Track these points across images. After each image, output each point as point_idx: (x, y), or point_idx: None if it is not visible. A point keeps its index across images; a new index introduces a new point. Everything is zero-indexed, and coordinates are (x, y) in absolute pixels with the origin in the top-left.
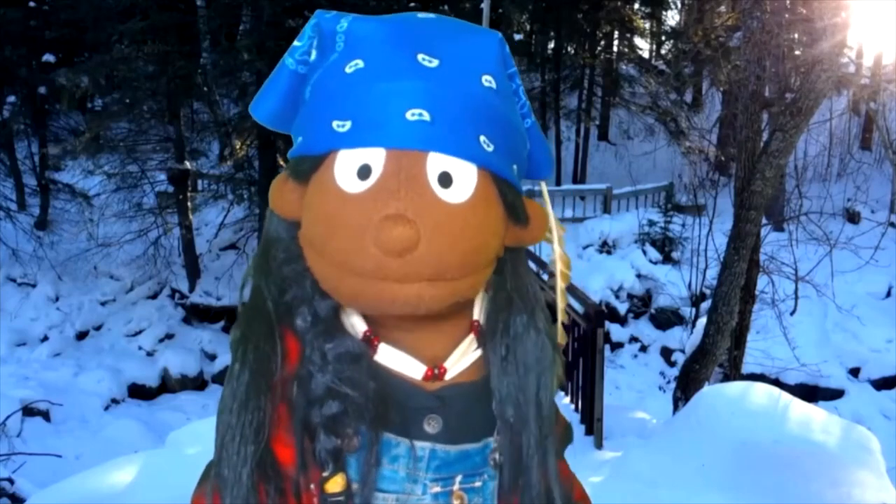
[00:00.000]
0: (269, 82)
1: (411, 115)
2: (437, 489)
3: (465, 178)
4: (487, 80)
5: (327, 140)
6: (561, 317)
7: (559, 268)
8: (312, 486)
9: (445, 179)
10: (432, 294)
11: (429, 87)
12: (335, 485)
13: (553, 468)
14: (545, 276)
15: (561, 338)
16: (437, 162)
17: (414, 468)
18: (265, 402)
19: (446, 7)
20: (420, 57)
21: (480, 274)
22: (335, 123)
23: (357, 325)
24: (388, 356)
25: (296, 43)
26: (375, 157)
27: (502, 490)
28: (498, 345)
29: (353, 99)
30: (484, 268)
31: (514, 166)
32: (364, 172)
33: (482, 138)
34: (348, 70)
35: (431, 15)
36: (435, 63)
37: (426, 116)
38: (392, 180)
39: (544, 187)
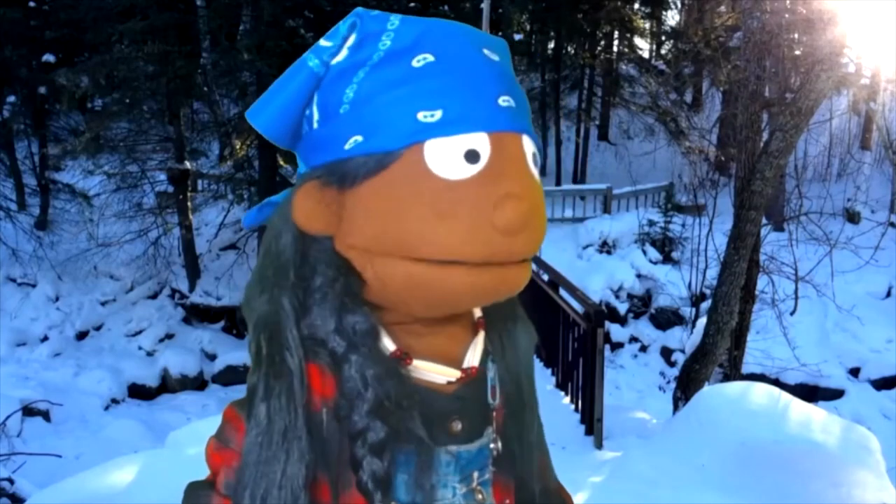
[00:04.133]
0: (283, 85)
1: (502, 101)
2: (464, 489)
3: (537, 161)
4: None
5: (412, 132)
6: None
7: None
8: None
9: (534, 160)
10: (525, 275)
11: (504, 76)
12: None
13: (546, 453)
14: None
15: None
16: (528, 143)
17: (443, 473)
18: (308, 449)
19: (446, 7)
20: (485, 52)
21: None
22: (421, 115)
23: (386, 344)
24: (420, 370)
25: (324, 43)
26: (480, 141)
27: (501, 473)
28: (496, 335)
29: (439, 89)
30: None
31: None
32: (472, 157)
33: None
34: (416, 64)
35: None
36: (497, 58)
37: (512, 103)
38: (500, 161)
39: None
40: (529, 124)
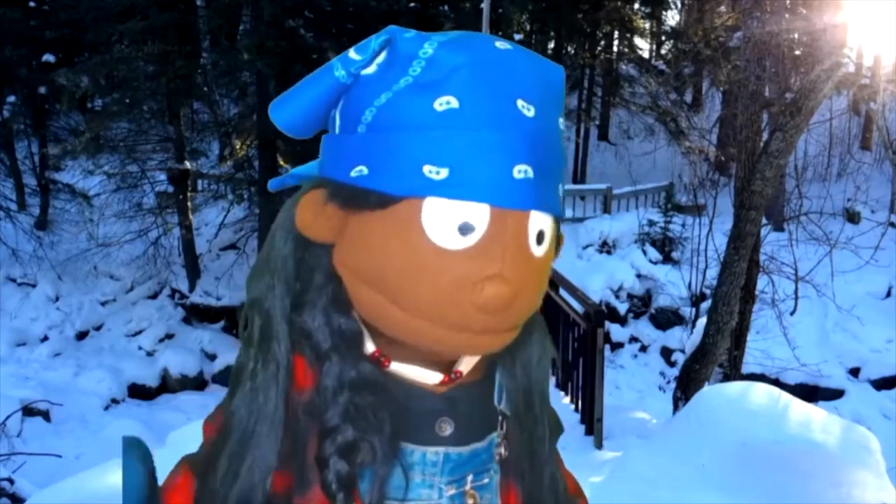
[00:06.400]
0: (306, 87)
1: (517, 172)
2: (452, 491)
3: (550, 233)
4: (560, 122)
5: (416, 185)
6: None
7: None
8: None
9: (541, 238)
10: (504, 340)
11: (532, 141)
12: None
13: (556, 454)
14: None
15: None
16: (536, 221)
17: (429, 473)
18: (282, 437)
19: (446, 7)
20: (520, 104)
21: None
22: (427, 168)
23: (367, 345)
24: (401, 371)
25: (353, 56)
26: (479, 214)
27: (505, 481)
28: (505, 349)
29: (452, 145)
30: None
31: None
32: (466, 230)
33: (559, 187)
34: (438, 108)
35: (509, 44)
36: (532, 112)
37: (530, 174)
38: (496, 241)
39: None
40: (549, 193)
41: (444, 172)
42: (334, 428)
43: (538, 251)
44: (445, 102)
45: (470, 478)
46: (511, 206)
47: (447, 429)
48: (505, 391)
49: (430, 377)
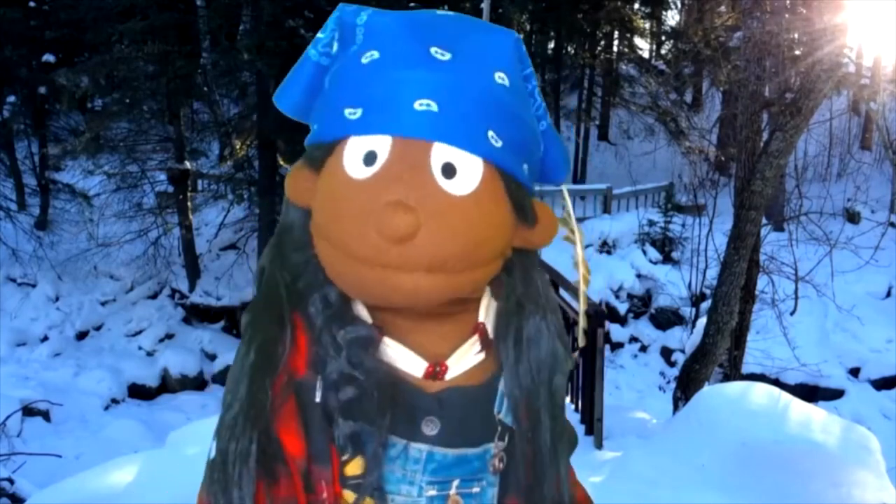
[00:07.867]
0: (293, 73)
1: (419, 104)
2: (433, 492)
3: (470, 171)
4: (500, 77)
5: (339, 127)
6: (583, 322)
7: (581, 272)
8: (331, 473)
9: (449, 170)
10: (430, 285)
11: (438, 78)
12: (355, 467)
13: (565, 469)
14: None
15: (581, 341)
16: (441, 152)
17: (410, 469)
18: (269, 384)
19: (446, 7)
20: (433, 50)
21: (482, 270)
22: (347, 111)
23: (364, 317)
24: (392, 351)
25: (319, 35)
26: (382, 144)
27: (503, 495)
28: (510, 349)
29: (366, 87)
30: (486, 264)
31: (525, 165)
32: (370, 159)
33: (490, 133)
34: (364, 61)
35: (450, 13)
36: (447, 56)
37: (433, 107)
38: (395, 168)
39: (565, 191)
40: (458, 128)
41: (358, 112)
42: (335, 383)
43: (450, 186)
44: (370, 55)
45: (456, 483)
46: (409, 135)
47: (433, 428)
48: (510, 394)
49: (415, 364)
